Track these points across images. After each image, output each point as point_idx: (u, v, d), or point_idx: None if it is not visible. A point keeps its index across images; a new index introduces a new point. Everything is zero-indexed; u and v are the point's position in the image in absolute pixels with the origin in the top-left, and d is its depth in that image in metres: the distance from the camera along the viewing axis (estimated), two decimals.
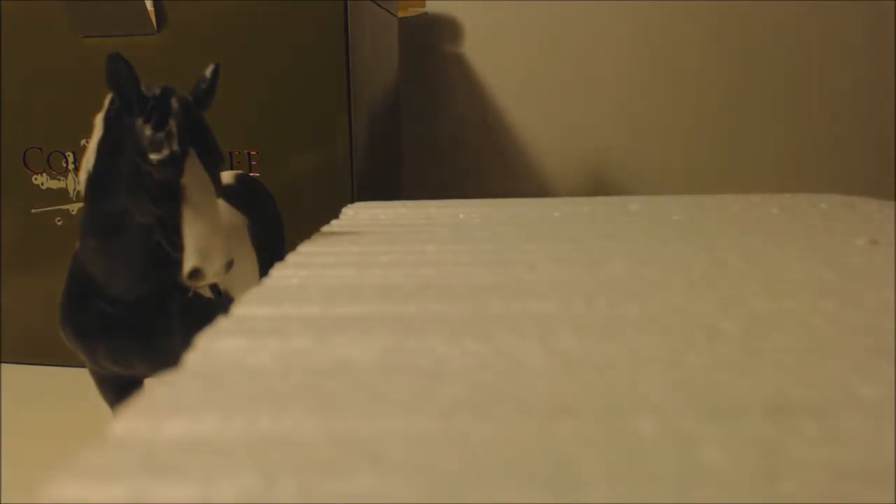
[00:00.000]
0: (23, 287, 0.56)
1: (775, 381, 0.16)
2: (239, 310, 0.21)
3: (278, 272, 0.26)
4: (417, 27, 0.79)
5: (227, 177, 0.41)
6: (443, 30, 0.81)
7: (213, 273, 0.27)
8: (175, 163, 0.27)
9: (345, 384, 0.16)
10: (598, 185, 0.81)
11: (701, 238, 0.32)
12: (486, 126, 0.82)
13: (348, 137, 0.51)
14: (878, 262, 0.27)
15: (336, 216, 0.40)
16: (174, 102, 0.28)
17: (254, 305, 0.22)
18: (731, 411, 0.14)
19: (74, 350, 0.33)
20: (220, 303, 0.33)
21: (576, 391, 0.15)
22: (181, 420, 0.14)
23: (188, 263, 0.27)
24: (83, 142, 0.53)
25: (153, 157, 0.27)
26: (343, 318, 0.21)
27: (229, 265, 0.28)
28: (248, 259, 0.38)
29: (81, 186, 0.30)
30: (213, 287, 0.33)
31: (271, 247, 0.41)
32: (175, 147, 0.27)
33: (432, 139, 0.83)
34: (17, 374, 0.56)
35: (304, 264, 0.28)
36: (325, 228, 0.36)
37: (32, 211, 0.55)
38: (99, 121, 0.30)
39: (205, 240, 0.27)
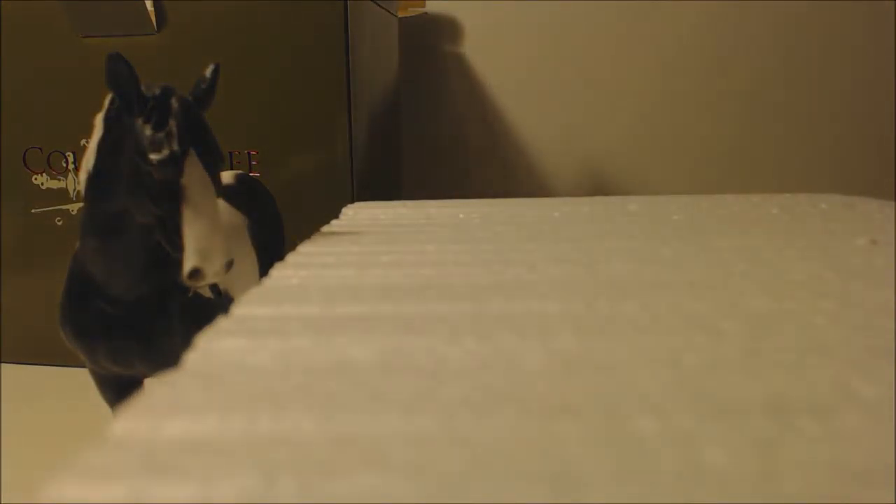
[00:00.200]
0: (23, 287, 0.56)
1: (775, 380, 0.16)
2: (239, 310, 0.21)
3: (278, 272, 0.26)
4: (417, 27, 0.79)
5: (227, 177, 0.41)
6: (443, 30, 0.81)
7: (213, 273, 0.27)
8: (175, 163, 0.27)
9: (345, 384, 0.16)
10: (598, 185, 0.81)
11: (701, 238, 0.32)
12: (486, 126, 0.82)
13: (348, 137, 0.51)
14: (878, 262, 0.27)
15: (336, 216, 0.40)
16: (174, 102, 0.28)
17: (254, 305, 0.22)
18: (731, 411, 0.14)
19: (74, 350, 0.33)
20: (220, 303, 0.33)
21: (576, 391, 0.15)
22: (181, 420, 0.14)
23: (188, 263, 0.27)
24: (83, 142, 0.53)
25: (153, 157, 0.27)
26: (343, 318, 0.21)
27: (229, 265, 0.28)
28: (248, 259, 0.38)
29: (81, 186, 0.30)
30: (213, 287, 0.33)
31: (271, 247, 0.41)
32: (175, 147, 0.27)
33: (432, 139, 0.83)
34: (17, 374, 0.56)
35: (304, 264, 0.28)
36: (325, 228, 0.36)
37: (32, 211, 0.55)
38: (99, 121, 0.30)
39: (205, 240, 0.27)
